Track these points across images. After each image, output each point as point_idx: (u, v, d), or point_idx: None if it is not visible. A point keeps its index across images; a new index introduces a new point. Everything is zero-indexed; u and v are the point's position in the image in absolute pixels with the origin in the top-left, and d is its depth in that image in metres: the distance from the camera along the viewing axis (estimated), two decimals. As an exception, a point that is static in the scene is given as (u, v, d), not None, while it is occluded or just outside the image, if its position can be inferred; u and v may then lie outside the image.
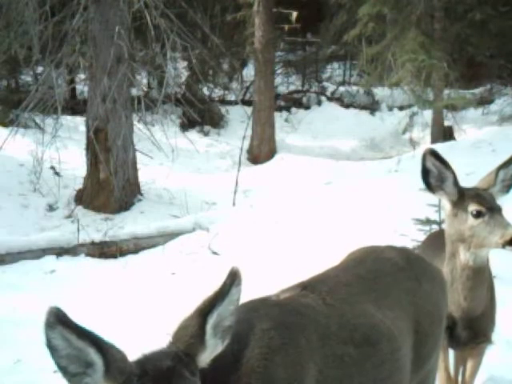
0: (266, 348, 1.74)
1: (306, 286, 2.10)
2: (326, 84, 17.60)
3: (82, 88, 13.26)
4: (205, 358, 1.57)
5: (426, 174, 2.84)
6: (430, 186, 2.87)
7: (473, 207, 2.81)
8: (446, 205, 2.91)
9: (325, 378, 1.84)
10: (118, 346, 1.51)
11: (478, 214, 2.79)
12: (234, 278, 1.58)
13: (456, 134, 12.26)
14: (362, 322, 2.03)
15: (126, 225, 7.76)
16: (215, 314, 1.56)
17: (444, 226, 3.06)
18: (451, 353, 3.22)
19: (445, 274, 2.89)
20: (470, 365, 3.10)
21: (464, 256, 2.86)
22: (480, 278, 2.90)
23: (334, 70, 19.21)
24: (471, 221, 2.81)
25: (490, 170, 3.02)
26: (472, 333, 2.96)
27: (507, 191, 2.97)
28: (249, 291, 1.84)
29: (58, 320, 1.38)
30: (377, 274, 2.29)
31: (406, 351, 2.14)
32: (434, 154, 2.80)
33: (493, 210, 2.80)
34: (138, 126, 8.89)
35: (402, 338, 2.11)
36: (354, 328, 1.99)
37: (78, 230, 6.80)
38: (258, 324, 1.77)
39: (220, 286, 1.58)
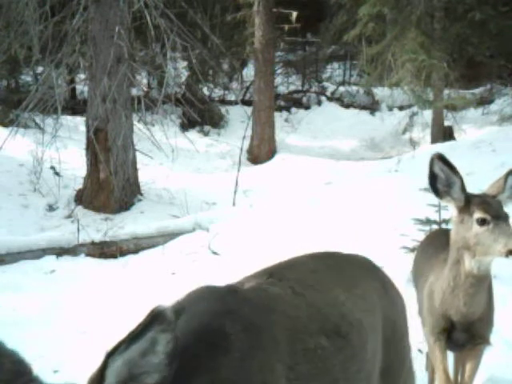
0: (237, 352, 1.59)
1: (272, 273, 1.97)
2: (326, 84, 17.60)
3: (82, 88, 13.27)
4: None
5: (433, 179, 2.76)
6: (437, 192, 2.79)
7: (478, 215, 2.73)
8: (453, 211, 2.86)
9: (297, 374, 1.72)
10: (22, 358, 1.27)
11: (482, 222, 2.72)
12: (153, 320, 1.21)
13: (456, 134, 12.26)
14: (332, 312, 1.93)
15: (126, 225, 7.75)
16: (119, 359, 1.23)
17: (448, 227, 3.02)
18: (450, 354, 3.22)
19: (446, 279, 2.89)
20: (468, 366, 3.08)
21: (469, 263, 2.80)
22: (482, 285, 2.86)
23: (334, 70, 19.21)
24: (476, 228, 2.74)
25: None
26: (470, 335, 2.95)
27: None
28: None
29: None
30: (346, 265, 2.23)
31: (375, 345, 2.04)
32: (441, 158, 2.72)
33: (498, 218, 2.72)
34: (138, 126, 8.89)
35: (370, 330, 2.02)
36: (324, 318, 1.89)
37: (78, 230, 6.79)
38: (229, 324, 1.63)
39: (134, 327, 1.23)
